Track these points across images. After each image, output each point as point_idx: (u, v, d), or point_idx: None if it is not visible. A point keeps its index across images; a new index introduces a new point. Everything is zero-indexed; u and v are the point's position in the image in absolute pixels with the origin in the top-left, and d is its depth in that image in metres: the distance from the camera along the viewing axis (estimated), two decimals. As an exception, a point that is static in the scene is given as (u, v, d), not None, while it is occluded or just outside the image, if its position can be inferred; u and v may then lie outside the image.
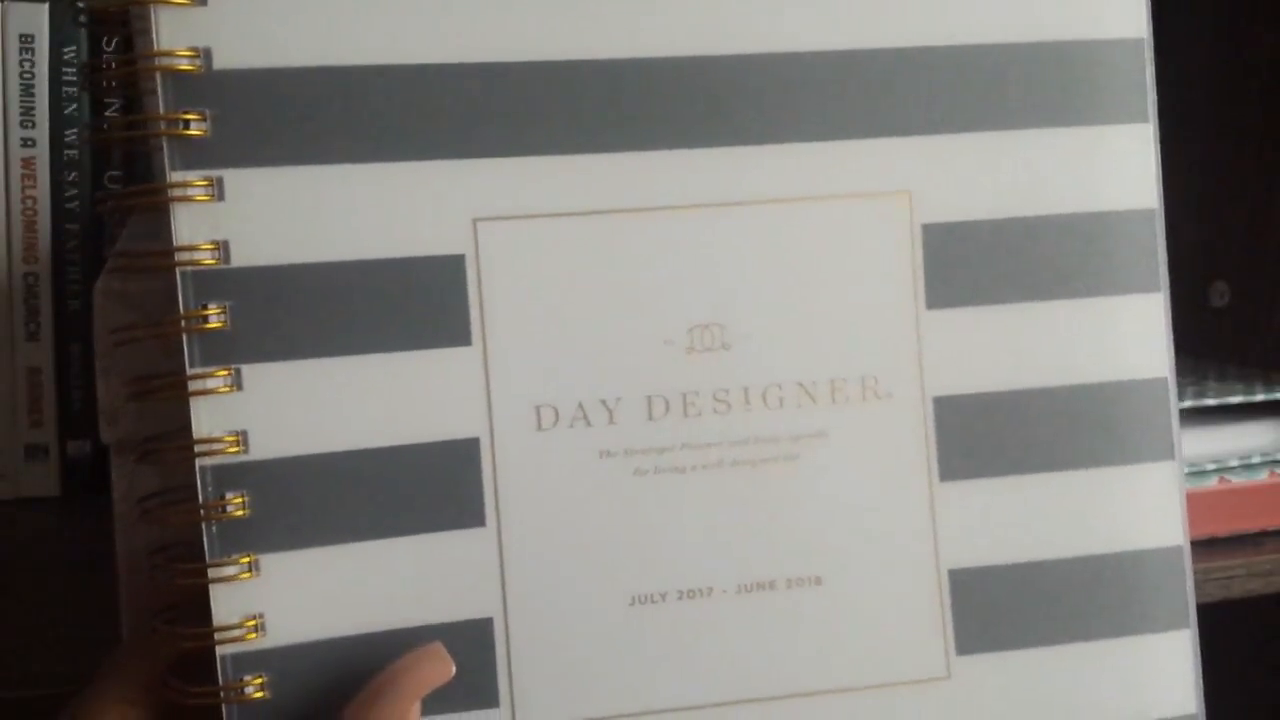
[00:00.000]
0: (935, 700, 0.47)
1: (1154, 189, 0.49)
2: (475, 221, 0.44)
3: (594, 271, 0.45)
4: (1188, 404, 0.63)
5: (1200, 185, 0.81)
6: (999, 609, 0.47)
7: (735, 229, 0.46)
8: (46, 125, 0.71)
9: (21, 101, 0.70)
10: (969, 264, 0.47)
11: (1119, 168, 0.48)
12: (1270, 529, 0.64)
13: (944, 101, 0.47)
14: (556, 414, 0.45)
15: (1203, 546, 0.62)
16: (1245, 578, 0.62)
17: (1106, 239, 0.48)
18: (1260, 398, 0.65)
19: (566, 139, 0.45)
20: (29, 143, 0.71)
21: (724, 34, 0.46)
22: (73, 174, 0.71)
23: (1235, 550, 0.63)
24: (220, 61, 0.42)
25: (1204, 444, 0.64)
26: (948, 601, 0.47)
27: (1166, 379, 0.49)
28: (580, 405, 0.45)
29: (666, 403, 0.46)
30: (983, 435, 0.47)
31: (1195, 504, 0.61)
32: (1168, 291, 0.49)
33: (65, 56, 0.71)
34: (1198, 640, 0.49)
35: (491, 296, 0.45)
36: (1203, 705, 0.49)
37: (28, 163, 0.71)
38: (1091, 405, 0.48)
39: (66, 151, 0.71)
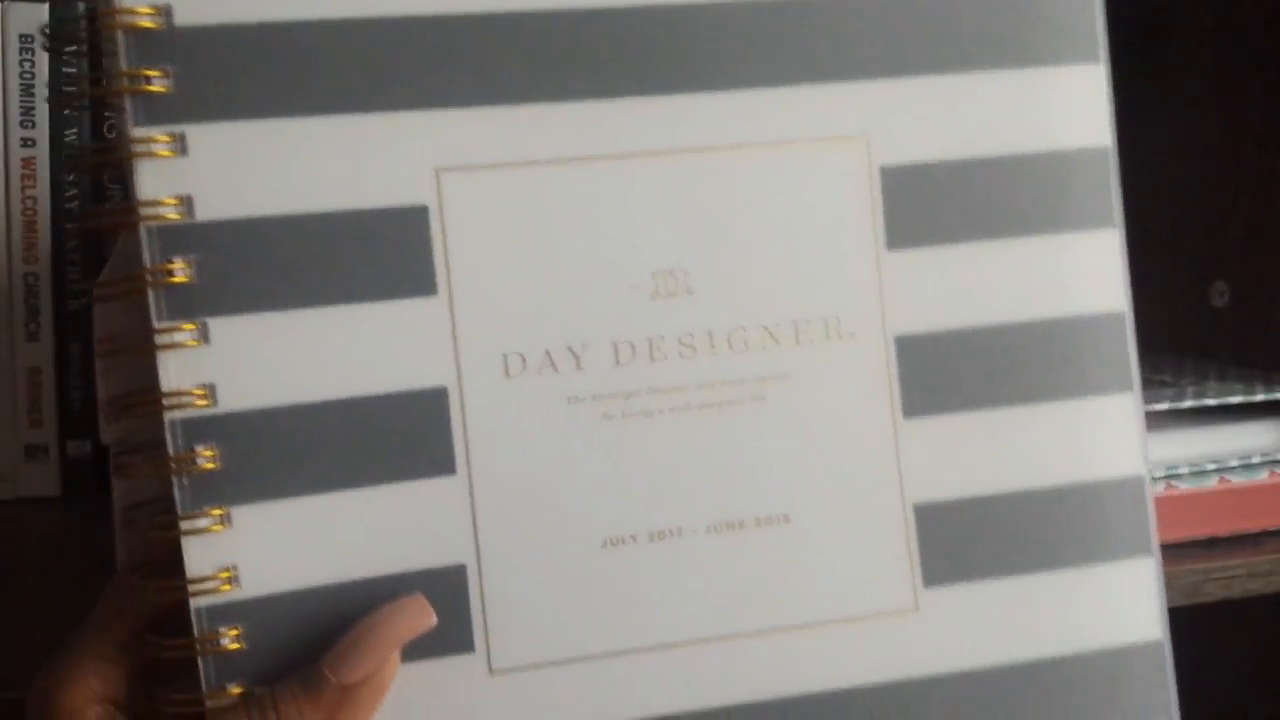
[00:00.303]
0: (904, 632, 0.47)
1: (1107, 128, 0.49)
2: (438, 171, 0.45)
3: (557, 219, 0.46)
4: (1188, 404, 0.63)
5: (1200, 186, 0.81)
6: (964, 541, 0.47)
7: (696, 175, 0.46)
8: (46, 125, 0.71)
9: (21, 101, 0.70)
10: (927, 205, 0.48)
11: (1072, 107, 0.49)
12: (1270, 529, 0.64)
13: (899, 46, 0.48)
14: (524, 361, 0.45)
15: (1203, 546, 0.63)
16: (1245, 578, 0.62)
17: (1061, 177, 0.48)
18: (1260, 398, 0.65)
19: (526, 88, 0.45)
20: (29, 143, 0.71)
21: None
22: (73, 174, 0.71)
23: (1235, 550, 0.62)
24: (181, 18, 0.43)
25: (1204, 444, 0.64)
26: (914, 535, 0.47)
27: (1123, 313, 0.49)
28: (547, 352, 0.46)
29: (633, 347, 0.46)
30: (944, 372, 0.48)
31: (1195, 504, 0.62)
32: (1123, 228, 0.49)
33: (65, 56, 0.71)
34: (1161, 568, 0.49)
35: (456, 246, 0.45)
36: (1168, 632, 0.49)
37: (28, 163, 0.71)
38: (1050, 339, 0.48)
39: (66, 151, 0.71)
